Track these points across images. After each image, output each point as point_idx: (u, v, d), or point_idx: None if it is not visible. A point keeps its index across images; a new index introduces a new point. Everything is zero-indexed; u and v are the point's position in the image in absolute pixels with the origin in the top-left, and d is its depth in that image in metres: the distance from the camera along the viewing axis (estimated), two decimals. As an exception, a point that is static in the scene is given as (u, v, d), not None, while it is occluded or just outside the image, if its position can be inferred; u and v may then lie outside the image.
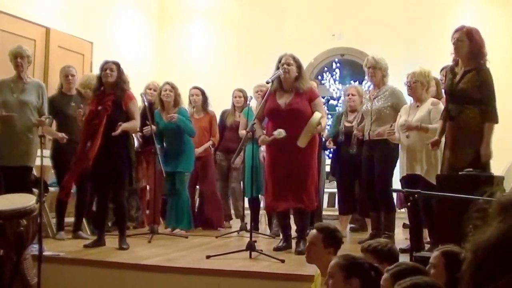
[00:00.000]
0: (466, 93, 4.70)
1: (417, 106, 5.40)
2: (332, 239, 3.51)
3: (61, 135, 5.81)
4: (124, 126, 5.36)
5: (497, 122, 4.68)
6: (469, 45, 4.71)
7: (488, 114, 4.65)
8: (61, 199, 5.78)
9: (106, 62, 5.57)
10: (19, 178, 5.56)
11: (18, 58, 5.70)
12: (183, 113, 6.70)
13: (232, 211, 7.68)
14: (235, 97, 7.28)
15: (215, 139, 7.23)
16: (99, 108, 5.35)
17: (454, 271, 2.49)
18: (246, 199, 6.83)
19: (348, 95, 6.57)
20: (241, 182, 7.03)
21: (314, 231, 3.57)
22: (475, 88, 4.66)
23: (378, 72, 5.80)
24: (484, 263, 1.12)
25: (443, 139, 5.03)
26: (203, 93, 7.29)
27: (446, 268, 2.61)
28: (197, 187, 7.43)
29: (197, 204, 7.45)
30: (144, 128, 6.45)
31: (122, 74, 5.56)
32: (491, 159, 4.72)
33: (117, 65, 5.56)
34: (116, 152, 5.35)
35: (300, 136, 5.10)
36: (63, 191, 5.60)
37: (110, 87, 5.48)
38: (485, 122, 4.66)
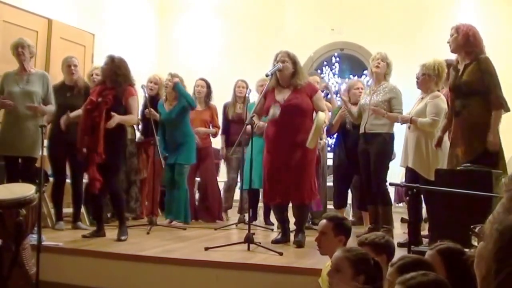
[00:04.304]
0: (470, 85, 4.69)
1: (422, 98, 5.43)
2: (341, 227, 3.59)
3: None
4: (119, 117, 5.35)
5: (505, 110, 4.64)
6: (457, 37, 4.76)
7: (494, 102, 4.62)
8: (93, 193, 5.64)
9: (106, 57, 5.60)
10: (24, 169, 5.59)
11: (19, 48, 5.73)
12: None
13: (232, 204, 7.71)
14: (238, 87, 7.30)
15: (217, 129, 7.28)
16: (99, 100, 5.35)
17: (452, 267, 2.51)
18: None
19: (357, 88, 6.56)
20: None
21: (323, 221, 3.64)
22: (478, 79, 4.65)
23: (384, 65, 5.83)
24: (510, 241, 1.13)
25: (446, 139, 5.06)
26: (208, 86, 7.32)
27: (444, 265, 2.61)
28: (196, 179, 7.46)
29: (197, 196, 7.48)
30: (145, 111, 6.52)
31: (116, 68, 5.50)
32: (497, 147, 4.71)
33: (110, 58, 5.55)
34: (110, 141, 5.32)
35: (308, 138, 5.10)
36: (94, 184, 5.40)
37: (111, 81, 5.48)
38: (492, 110, 4.62)
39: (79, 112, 5.67)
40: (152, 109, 6.52)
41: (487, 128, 4.61)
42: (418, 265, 2.45)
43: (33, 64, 6.16)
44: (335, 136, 6.80)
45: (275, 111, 5.20)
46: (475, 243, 1.35)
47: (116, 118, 5.32)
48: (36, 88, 5.74)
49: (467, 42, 4.71)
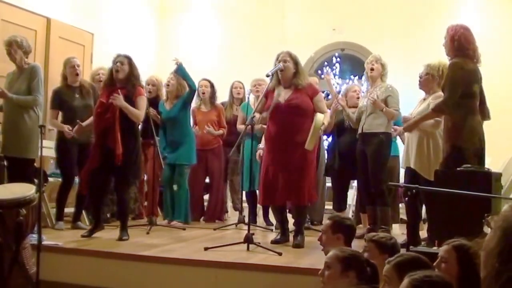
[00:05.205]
0: (442, 90, 4.85)
1: (424, 99, 5.44)
2: (340, 225, 3.66)
3: (67, 128, 5.82)
4: (127, 105, 5.30)
5: (439, 113, 4.74)
6: (447, 41, 4.81)
7: (437, 103, 4.74)
8: (82, 193, 5.68)
9: (118, 56, 5.51)
10: (21, 168, 5.59)
11: (6, 47, 5.73)
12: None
13: (230, 204, 7.72)
14: (236, 88, 7.31)
15: (225, 131, 7.24)
16: (111, 101, 5.30)
17: (466, 264, 2.54)
18: (243, 193, 6.87)
19: (354, 91, 6.58)
20: (239, 176, 7.05)
21: (326, 220, 3.79)
22: (443, 85, 4.76)
23: (379, 66, 5.86)
24: None
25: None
26: (212, 85, 7.29)
27: (458, 261, 2.64)
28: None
29: (206, 197, 7.47)
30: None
31: (134, 69, 5.49)
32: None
33: (129, 58, 5.50)
34: (124, 147, 5.28)
35: (307, 140, 5.09)
36: (83, 185, 5.51)
37: (121, 82, 5.44)
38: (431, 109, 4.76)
39: (91, 120, 5.68)
40: (153, 110, 6.50)
41: (452, 132, 4.66)
42: (415, 262, 2.50)
43: (32, 60, 6.11)
44: (330, 137, 6.84)
45: (263, 116, 5.22)
46: (488, 231, 1.34)
47: (124, 104, 5.27)
48: (21, 86, 5.66)
49: (452, 46, 4.75)
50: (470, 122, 4.64)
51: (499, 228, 1.19)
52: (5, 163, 5.69)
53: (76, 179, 6.12)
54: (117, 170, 5.31)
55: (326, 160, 6.77)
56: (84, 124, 5.75)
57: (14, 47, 5.71)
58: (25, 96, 5.62)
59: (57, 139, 6.04)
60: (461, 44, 4.71)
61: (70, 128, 5.83)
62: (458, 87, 4.64)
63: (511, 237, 1.14)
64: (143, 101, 5.52)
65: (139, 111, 5.46)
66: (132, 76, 5.46)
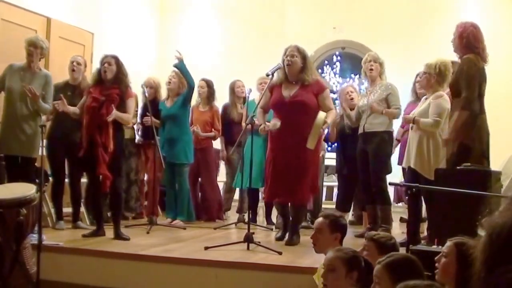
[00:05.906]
0: (452, 87, 4.82)
1: (426, 99, 5.45)
2: (337, 224, 3.62)
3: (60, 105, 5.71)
4: (117, 113, 5.34)
5: (472, 113, 4.61)
6: (455, 39, 4.81)
7: (462, 102, 4.64)
8: (105, 192, 5.57)
9: (105, 56, 5.56)
10: (22, 168, 5.59)
11: (31, 47, 5.72)
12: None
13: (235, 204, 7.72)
14: (239, 87, 7.30)
15: (217, 133, 7.24)
16: (103, 98, 5.33)
17: (464, 262, 2.56)
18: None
19: (347, 93, 6.54)
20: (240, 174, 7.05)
21: (319, 218, 3.70)
22: (457, 81, 4.73)
23: (377, 65, 5.88)
24: (500, 246, 1.11)
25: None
26: (209, 85, 7.28)
27: (457, 257, 2.65)
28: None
29: (199, 196, 7.48)
30: (144, 119, 6.53)
31: (121, 67, 5.52)
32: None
33: (116, 58, 5.53)
34: (115, 142, 5.34)
35: (308, 138, 5.08)
36: (105, 183, 5.37)
37: (110, 81, 5.46)
38: (459, 110, 4.66)
39: (74, 109, 5.65)
40: (152, 117, 6.49)
41: (461, 130, 4.62)
42: (405, 263, 2.51)
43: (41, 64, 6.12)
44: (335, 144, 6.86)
45: (276, 123, 5.17)
46: (482, 233, 1.34)
47: (115, 113, 5.31)
48: (37, 89, 5.67)
49: (460, 44, 4.75)
50: (479, 121, 4.64)
51: (485, 235, 1.20)
52: (4, 163, 5.70)
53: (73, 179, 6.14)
54: (109, 165, 5.33)
55: (327, 161, 6.79)
56: (69, 108, 5.62)
57: (38, 51, 5.74)
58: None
59: (46, 138, 6.03)
60: (469, 42, 4.72)
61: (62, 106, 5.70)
62: (476, 82, 4.64)
63: (496, 244, 1.15)
64: (132, 103, 5.64)
65: (129, 115, 5.56)
66: (121, 75, 5.49)
